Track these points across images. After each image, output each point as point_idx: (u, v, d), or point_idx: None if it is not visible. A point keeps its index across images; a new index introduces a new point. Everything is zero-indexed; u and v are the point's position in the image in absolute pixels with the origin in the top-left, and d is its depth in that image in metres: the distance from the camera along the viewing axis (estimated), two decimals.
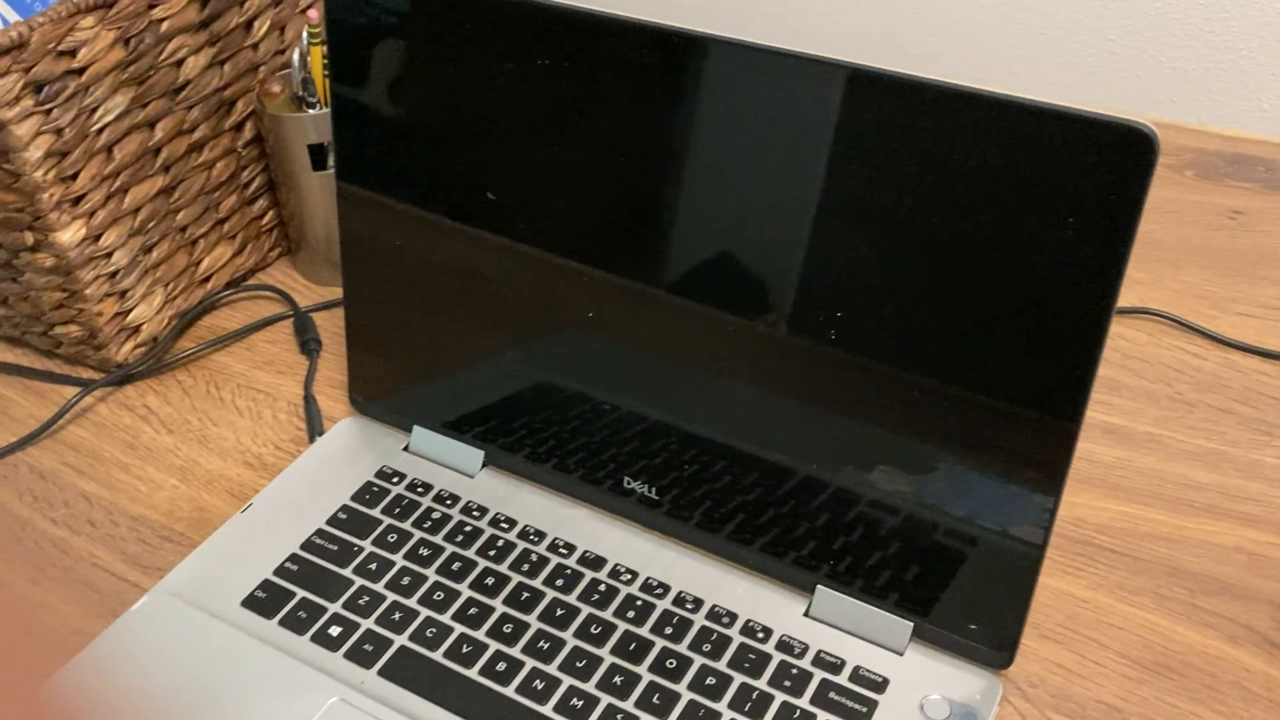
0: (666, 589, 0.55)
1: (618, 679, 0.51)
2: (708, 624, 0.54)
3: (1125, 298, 0.71)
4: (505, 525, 0.59)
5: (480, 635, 0.53)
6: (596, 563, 0.57)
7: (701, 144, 0.50)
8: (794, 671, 0.51)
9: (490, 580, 0.56)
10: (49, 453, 0.66)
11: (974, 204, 0.45)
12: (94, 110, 0.64)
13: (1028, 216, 0.44)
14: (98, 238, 0.66)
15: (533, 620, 0.54)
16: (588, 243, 0.54)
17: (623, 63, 0.50)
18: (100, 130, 0.64)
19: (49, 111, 0.61)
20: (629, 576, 0.56)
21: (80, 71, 0.62)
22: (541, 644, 0.53)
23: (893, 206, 0.46)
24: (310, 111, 0.71)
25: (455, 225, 0.57)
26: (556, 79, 0.52)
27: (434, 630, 0.54)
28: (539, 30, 0.52)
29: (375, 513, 0.60)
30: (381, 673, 0.52)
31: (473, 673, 0.52)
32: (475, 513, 0.59)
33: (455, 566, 0.56)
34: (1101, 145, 0.42)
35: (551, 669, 0.52)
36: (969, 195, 0.45)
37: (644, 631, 0.53)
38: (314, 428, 0.66)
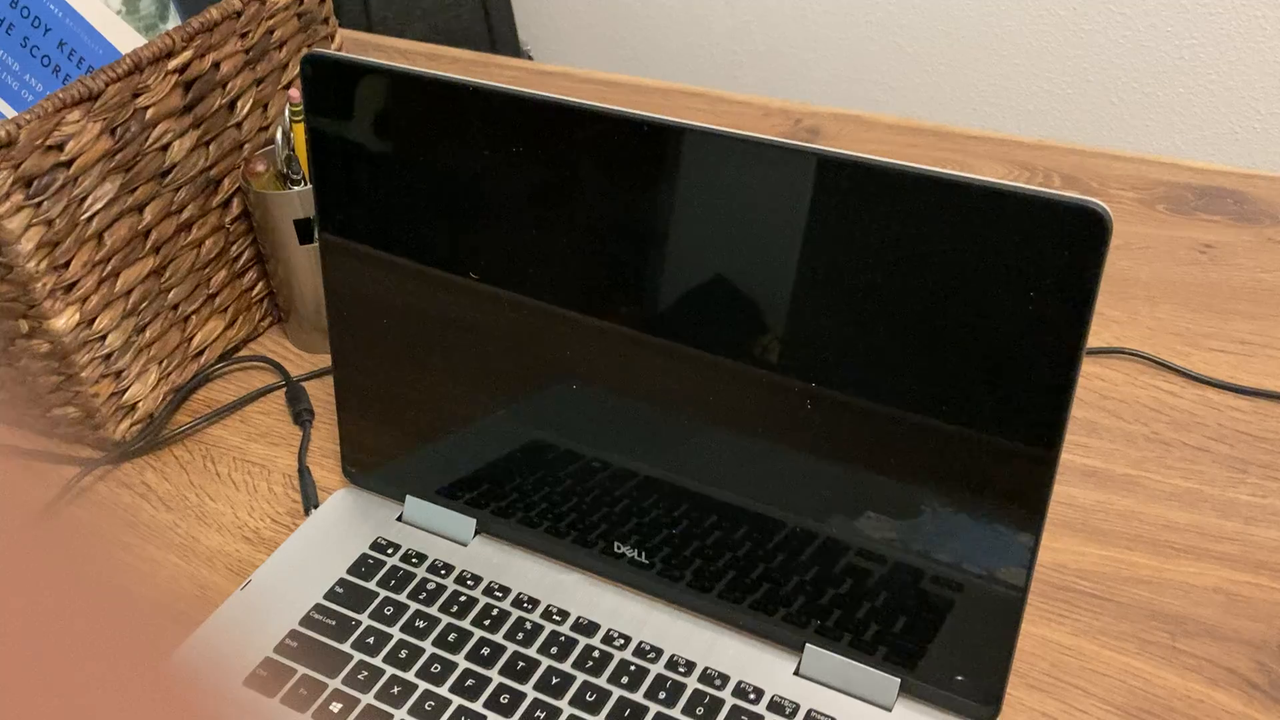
0: (659, 653, 0.57)
1: None
2: (700, 687, 0.55)
3: (1102, 337, 0.72)
4: (499, 593, 0.60)
5: (478, 707, 0.54)
6: (590, 629, 0.58)
7: (685, 217, 0.51)
8: None
9: (486, 650, 0.57)
10: None
11: (942, 274, 0.46)
12: (83, 199, 0.65)
13: (994, 286, 0.45)
14: (91, 322, 0.68)
15: (529, 690, 0.55)
16: (569, 308, 0.55)
17: (596, 147, 0.52)
18: (90, 218, 0.66)
19: (39, 204, 0.63)
20: (622, 641, 0.57)
21: (69, 164, 0.63)
22: (538, 713, 0.54)
23: (865, 274, 0.48)
24: (295, 188, 0.72)
25: (439, 295, 0.59)
26: (531, 159, 0.54)
27: (432, 704, 0.55)
28: (510, 114, 0.53)
29: (371, 585, 0.61)
30: None
31: None
32: (469, 582, 0.61)
33: (451, 638, 0.58)
34: (1058, 223, 0.43)
35: None
36: (937, 266, 0.46)
37: (638, 697, 0.54)
38: (309, 500, 0.68)
